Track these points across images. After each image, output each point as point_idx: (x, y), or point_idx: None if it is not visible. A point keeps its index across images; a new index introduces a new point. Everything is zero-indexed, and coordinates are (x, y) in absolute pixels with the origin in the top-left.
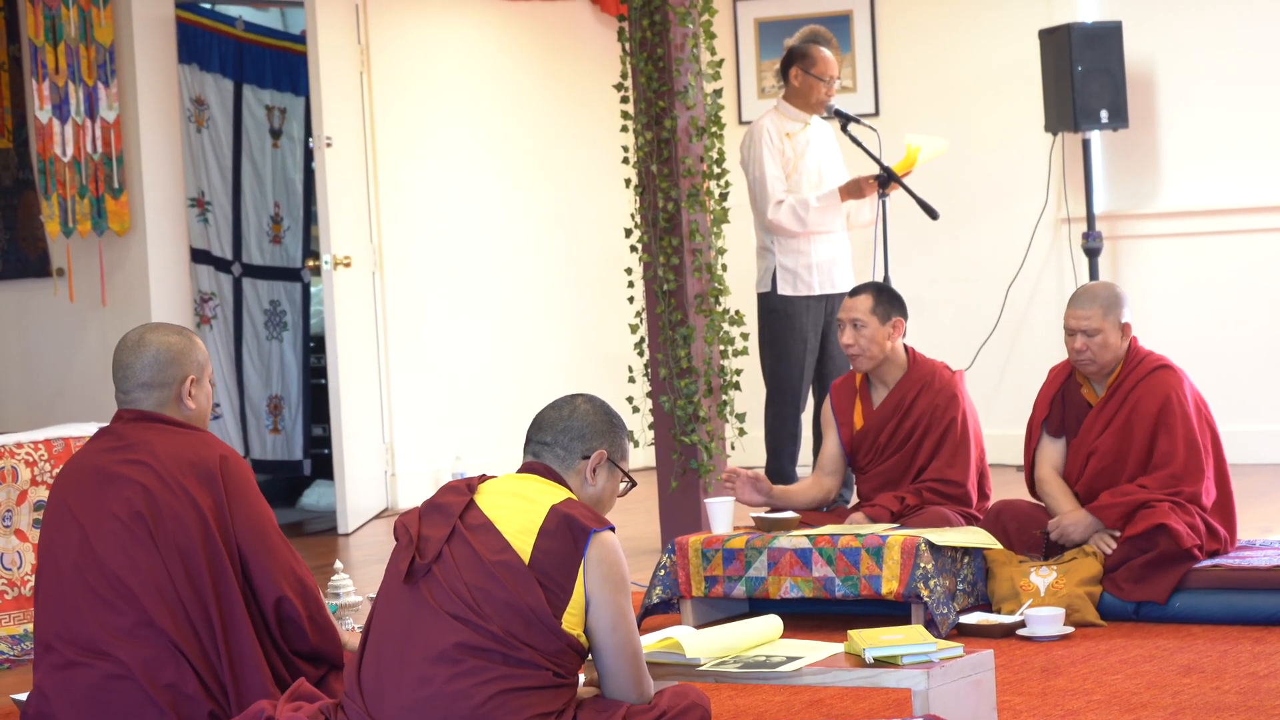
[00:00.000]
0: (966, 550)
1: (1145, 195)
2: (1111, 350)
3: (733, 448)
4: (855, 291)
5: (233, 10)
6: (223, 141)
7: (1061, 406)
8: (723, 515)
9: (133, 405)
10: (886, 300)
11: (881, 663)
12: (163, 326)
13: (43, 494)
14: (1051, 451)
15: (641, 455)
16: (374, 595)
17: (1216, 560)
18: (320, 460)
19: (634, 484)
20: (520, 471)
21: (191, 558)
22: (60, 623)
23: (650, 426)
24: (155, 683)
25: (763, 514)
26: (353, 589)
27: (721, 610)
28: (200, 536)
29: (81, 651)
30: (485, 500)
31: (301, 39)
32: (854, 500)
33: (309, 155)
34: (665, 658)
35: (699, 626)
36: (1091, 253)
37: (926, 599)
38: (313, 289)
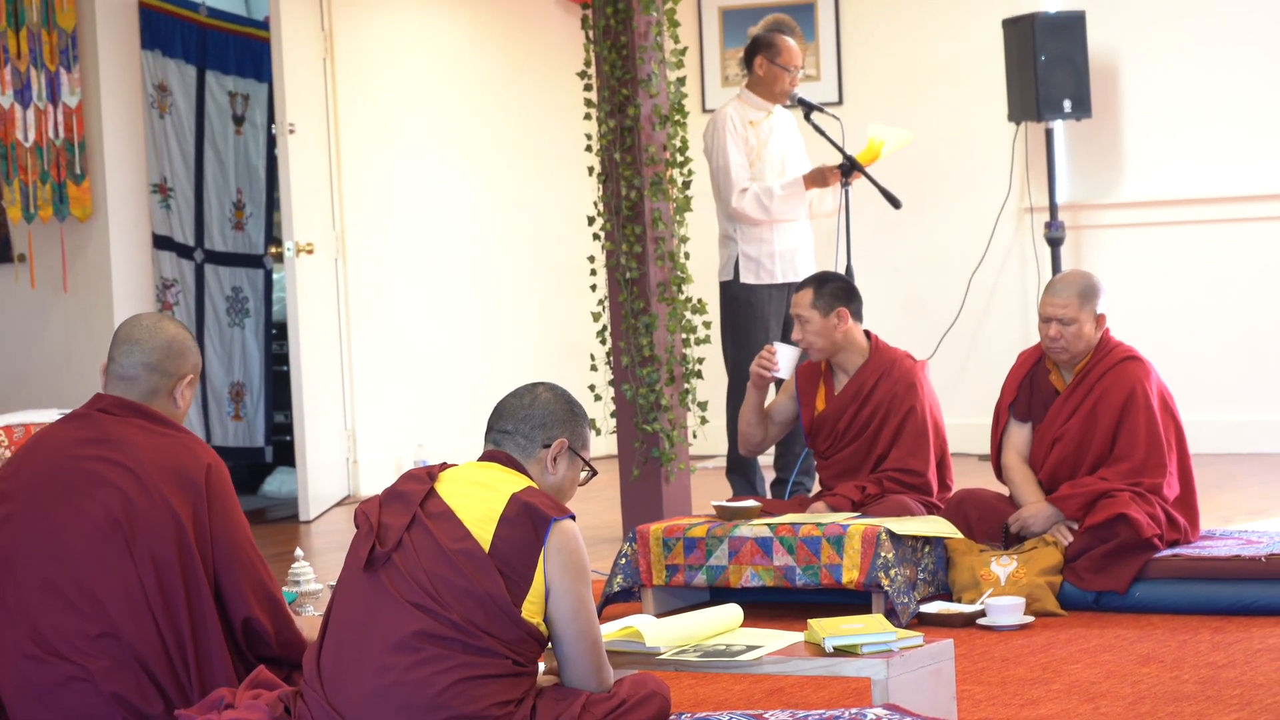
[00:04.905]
0: (927, 539)
1: (1108, 185)
2: (1085, 340)
3: (694, 436)
4: (799, 286)
5: None
6: (185, 127)
7: (1029, 391)
8: (789, 359)
9: (125, 378)
10: (828, 293)
11: (841, 652)
12: (177, 321)
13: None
14: (1018, 437)
15: (603, 444)
16: (334, 583)
17: (1176, 550)
18: (282, 447)
19: (595, 473)
20: (481, 460)
21: (166, 568)
22: (26, 621)
23: (612, 415)
24: (115, 694)
25: (723, 503)
26: (313, 576)
27: (682, 599)
28: (176, 547)
29: (45, 650)
30: (446, 488)
31: (265, 25)
32: (815, 489)
33: (272, 142)
34: (625, 646)
35: (659, 615)
36: (1054, 242)
37: (887, 588)
38: (275, 275)
